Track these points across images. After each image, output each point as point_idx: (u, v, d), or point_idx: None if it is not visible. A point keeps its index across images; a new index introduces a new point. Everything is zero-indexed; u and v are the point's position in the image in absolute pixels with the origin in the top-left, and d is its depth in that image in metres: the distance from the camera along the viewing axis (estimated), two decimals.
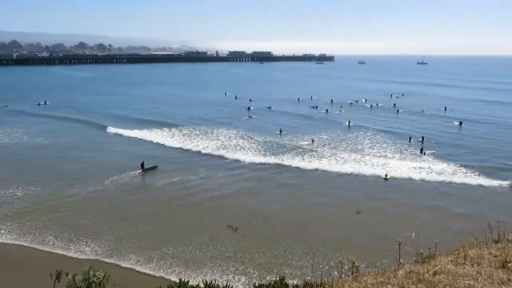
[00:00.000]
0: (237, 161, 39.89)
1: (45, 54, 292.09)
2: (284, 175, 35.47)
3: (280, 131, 52.53)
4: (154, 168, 37.88)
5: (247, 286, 17.47)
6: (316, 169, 36.82)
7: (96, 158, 40.77)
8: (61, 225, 25.05)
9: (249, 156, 41.44)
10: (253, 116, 65.54)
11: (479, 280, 6.46)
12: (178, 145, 46.03)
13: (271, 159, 39.95)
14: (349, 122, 58.77)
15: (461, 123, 59.02)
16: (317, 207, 28.51)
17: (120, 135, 51.99)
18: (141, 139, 49.24)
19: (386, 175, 34.24)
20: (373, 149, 44.10)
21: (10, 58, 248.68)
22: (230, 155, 41.88)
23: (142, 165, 37.24)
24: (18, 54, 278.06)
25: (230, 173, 35.86)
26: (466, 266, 7.12)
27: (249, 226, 25.15)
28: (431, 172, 35.57)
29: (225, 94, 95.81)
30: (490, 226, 8.82)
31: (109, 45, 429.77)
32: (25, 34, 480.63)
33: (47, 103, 77.90)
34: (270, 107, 73.84)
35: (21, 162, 39.27)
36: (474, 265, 7.16)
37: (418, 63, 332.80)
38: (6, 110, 69.84)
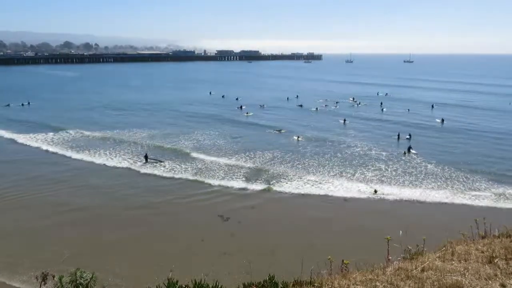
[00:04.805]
0: (225, 167, 39.28)
1: (30, 53, 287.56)
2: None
3: (280, 131, 52.30)
4: (160, 161, 37.96)
5: (236, 285, 17.40)
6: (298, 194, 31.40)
7: None
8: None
9: (242, 162, 39.94)
10: (251, 113, 65.42)
11: (466, 276, 6.53)
12: (167, 146, 45.60)
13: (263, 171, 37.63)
14: (344, 120, 59.13)
15: (443, 120, 59.60)
16: (306, 208, 28.61)
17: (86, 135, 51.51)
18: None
19: (375, 191, 30.89)
20: (359, 149, 44.21)
21: None
22: (212, 160, 40.06)
23: (146, 157, 37.86)
24: (2, 53, 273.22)
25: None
26: (453, 262, 7.19)
27: (238, 225, 25.17)
28: (419, 179, 33.82)
29: (210, 93, 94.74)
30: (476, 222, 8.91)
31: (96, 44, 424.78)
32: (9, 33, 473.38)
33: (30, 103, 76.87)
34: (263, 106, 73.67)
35: None
36: (462, 261, 7.23)
37: (404, 61, 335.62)
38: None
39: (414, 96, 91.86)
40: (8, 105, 74.44)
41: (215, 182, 33.17)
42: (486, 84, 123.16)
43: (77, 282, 6.31)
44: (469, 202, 28.92)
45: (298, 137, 48.16)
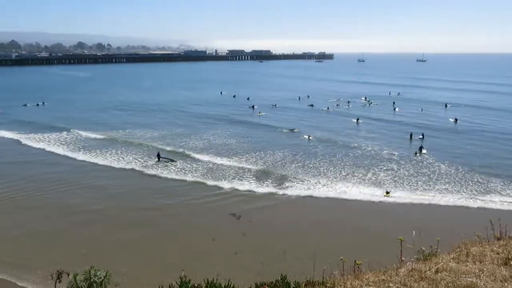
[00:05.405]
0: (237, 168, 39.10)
1: (44, 54, 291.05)
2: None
3: (292, 130, 52.38)
4: (172, 161, 38.39)
5: (248, 284, 17.40)
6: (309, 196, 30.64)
7: None
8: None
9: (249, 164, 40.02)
10: (263, 113, 65.53)
11: (481, 278, 6.44)
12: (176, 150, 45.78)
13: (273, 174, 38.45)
14: (357, 120, 58.85)
15: (456, 120, 58.86)
16: (318, 213, 28.50)
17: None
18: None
19: (387, 192, 30.24)
20: (370, 149, 43.79)
21: (9, 58, 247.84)
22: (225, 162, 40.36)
23: (158, 155, 38.66)
24: (17, 54, 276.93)
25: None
26: (468, 263, 7.10)
27: (249, 225, 25.19)
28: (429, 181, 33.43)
29: (221, 93, 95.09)
30: (492, 223, 8.79)
31: (108, 44, 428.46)
32: (24, 34, 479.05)
33: (45, 104, 78.16)
34: (275, 105, 73.68)
35: None
36: (476, 262, 7.14)
37: (417, 60, 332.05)
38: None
39: (427, 95, 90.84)
40: (25, 105, 76.63)
41: (225, 183, 33.11)
42: (499, 84, 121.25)
43: (91, 280, 6.38)
44: (483, 204, 28.41)
45: (309, 136, 48.08)
